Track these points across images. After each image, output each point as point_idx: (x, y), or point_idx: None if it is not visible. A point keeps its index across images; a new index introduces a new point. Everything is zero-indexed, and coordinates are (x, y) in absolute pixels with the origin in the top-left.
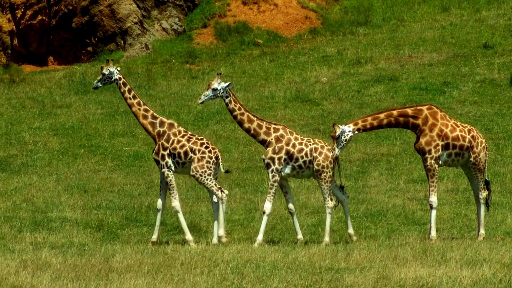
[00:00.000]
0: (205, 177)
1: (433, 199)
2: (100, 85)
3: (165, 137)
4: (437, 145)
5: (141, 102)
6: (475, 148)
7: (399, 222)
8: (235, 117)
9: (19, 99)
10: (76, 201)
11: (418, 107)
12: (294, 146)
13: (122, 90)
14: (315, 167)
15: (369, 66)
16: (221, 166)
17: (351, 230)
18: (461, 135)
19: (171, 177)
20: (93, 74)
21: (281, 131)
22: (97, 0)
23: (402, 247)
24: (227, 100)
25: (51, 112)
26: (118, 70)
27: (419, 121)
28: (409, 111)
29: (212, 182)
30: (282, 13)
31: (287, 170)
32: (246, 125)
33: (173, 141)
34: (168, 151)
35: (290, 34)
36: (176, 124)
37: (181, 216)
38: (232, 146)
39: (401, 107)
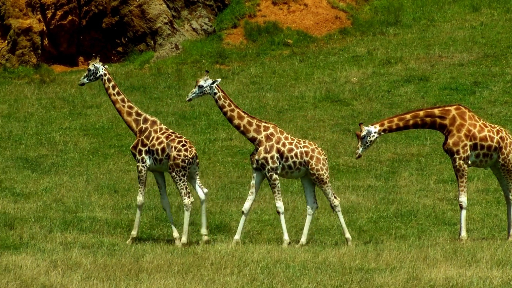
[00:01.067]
0: (179, 177)
1: (463, 199)
2: (87, 81)
3: (146, 133)
4: (465, 145)
5: (125, 99)
6: (503, 149)
7: (429, 222)
8: (225, 113)
9: (49, 99)
10: (106, 201)
11: (446, 108)
12: (284, 145)
13: (106, 86)
14: (310, 171)
15: (399, 66)
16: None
17: (304, 239)
18: (489, 136)
19: (143, 172)
20: (124, 74)
21: (271, 130)
22: (127, 1)
23: (432, 248)
24: (215, 97)
25: (81, 112)
26: (103, 67)
27: (447, 122)
28: (436, 111)
29: (184, 184)
30: (312, 13)
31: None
32: (236, 121)
33: (153, 138)
34: (147, 147)
35: (320, 34)
36: (158, 122)
37: (138, 213)
38: None
39: (428, 107)
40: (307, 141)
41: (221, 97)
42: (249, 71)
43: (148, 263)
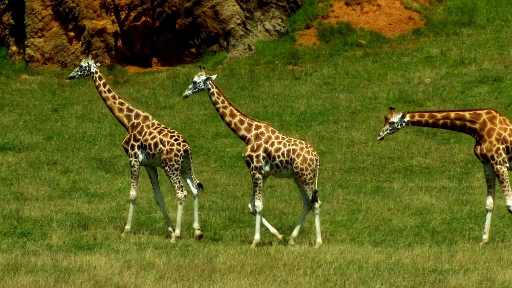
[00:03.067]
0: (172, 171)
1: (510, 203)
2: (77, 76)
3: (138, 128)
4: (498, 149)
5: (116, 96)
6: None
7: (503, 223)
8: (217, 109)
9: None
10: None
11: (477, 111)
12: (272, 144)
13: (97, 84)
14: (294, 169)
15: (473, 67)
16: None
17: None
18: None
19: (136, 167)
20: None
21: (262, 129)
22: (200, 2)
23: (507, 249)
24: (209, 93)
25: (154, 113)
26: (95, 64)
27: (477, 126)
28: (467, 115)
29: (177, 178)
30: (385, 14)
31: (267, 168)
32: (227, 118)
33: (146, 133)
34: (139, 142)
35: (393, 35)
36: (150, 117)
37: (131, 207)
38: (335, 147)
39: (460, 109)
40: (298, 141)
41: (215, 93)
42: (322, 72)
43: (221, 263)
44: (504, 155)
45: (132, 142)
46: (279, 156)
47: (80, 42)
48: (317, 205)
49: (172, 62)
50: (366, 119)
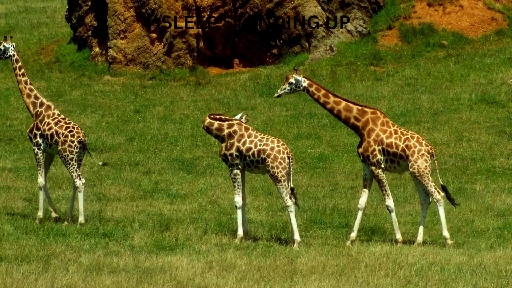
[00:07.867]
0: (67, 161)
1: (389, 202)
2: None
3: (40, 117)
4: (374, 150)
5: (28, 82)
6: (410, 157)
7: None
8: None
9: (204, 101)
10: (261, 203)
11: (365, 109)
12: (244, 143)
13: (14, 66)
14: (267, 168)
15: None
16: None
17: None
18: (395, 143)
19: (39, 155)
20: (278, 76)
21: (235, 127)
22: (282, 3)
23: None
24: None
25: (236, 114)
26: (13, 47)
27: (359, 124)
28: (355, 109)
29: (73, 167)
30: (467, 15)
31: (242, 164)
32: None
33: (45, 123)
34: (40, 131)
35: (476, 36)
36: (52, 107)
37: (41, 194)
38: None
39: (352, 101)
40: (270, 139)
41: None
42: (404, 73)
43: (302, 264)
44: (379, 156)
45: (35, 131)
46: (249, 156)
47: (162, 44)
48: (290, 202)
49: (254, 63)
50: (448, 120)
